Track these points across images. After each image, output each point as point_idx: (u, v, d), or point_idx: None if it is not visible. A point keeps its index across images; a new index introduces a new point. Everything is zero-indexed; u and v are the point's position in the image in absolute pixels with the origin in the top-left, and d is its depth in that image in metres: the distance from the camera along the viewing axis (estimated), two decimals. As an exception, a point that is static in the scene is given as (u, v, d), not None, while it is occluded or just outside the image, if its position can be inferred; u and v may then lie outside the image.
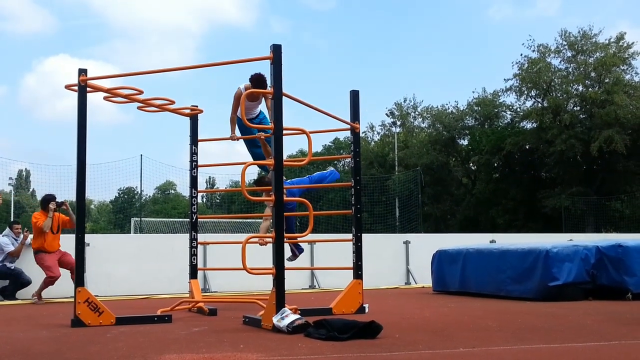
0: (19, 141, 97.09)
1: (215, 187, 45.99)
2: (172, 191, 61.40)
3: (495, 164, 39.95)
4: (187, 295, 7.81)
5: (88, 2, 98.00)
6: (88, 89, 6.19)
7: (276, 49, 5.73)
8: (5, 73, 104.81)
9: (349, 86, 8.68)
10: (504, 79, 37.34)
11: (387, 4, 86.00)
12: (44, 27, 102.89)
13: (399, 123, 45.70)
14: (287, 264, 5.69)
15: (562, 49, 35.87)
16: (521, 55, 36.68)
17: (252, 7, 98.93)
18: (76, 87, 6.18)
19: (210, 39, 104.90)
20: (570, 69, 35.87)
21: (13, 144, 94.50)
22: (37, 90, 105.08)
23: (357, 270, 7.06)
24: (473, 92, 45.27)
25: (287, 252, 7.16)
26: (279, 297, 5.51)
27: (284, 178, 6.10)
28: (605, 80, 34.24)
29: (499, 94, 39.60)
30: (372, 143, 48.43)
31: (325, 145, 50.92)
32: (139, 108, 7.18)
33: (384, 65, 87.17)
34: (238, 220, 27.68)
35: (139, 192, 23.47)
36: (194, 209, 7.65)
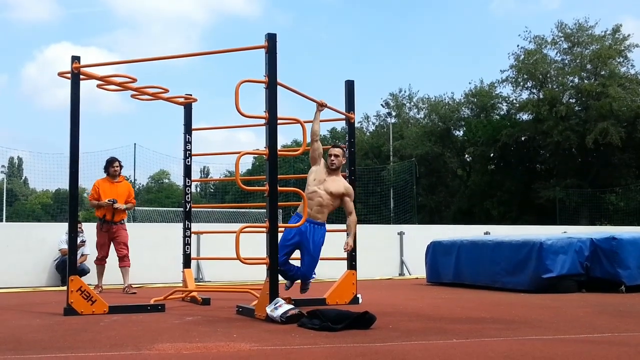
0: (19, 130, 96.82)
1: (209, 176, 45.81)
2: (166, 180, 61.12)
3: (491, 155, 39.93)
4: (181, 284, 7.80)
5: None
6: (81, 76, 6.14)
7: (271, 38, 5.70)
8: (6, 61, 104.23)
9: (344, 76, 8.67)
10: (500, 70, 37.33)
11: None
12: (46, 14, 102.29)
13: (394, 114, 45.56)
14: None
15: (558, 40, 35.87)
16: (518, 46, 36.72)
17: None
18: (69, 75, 6.12)
19: (215, 30, 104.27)
20: (566, 61, 35.89)
21: (13, 133, 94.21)
22: (38, 79, 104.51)
23: (351, 260, 7.07)
24: (469, 83, 45.11)
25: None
26: (273, 287, 5.50)
27: None
28: (601, 73, 34.23)
29: (495, 85, 39.58)
30: (367, 133, 48.29)
31: (321, 135, 50.68)
32: (132, 96, 7.12)
33: (379, 56, 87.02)
34: (232, 210, 27.62)
35: (133, 181, 23.35)
36: (188, 198, 7.61)
